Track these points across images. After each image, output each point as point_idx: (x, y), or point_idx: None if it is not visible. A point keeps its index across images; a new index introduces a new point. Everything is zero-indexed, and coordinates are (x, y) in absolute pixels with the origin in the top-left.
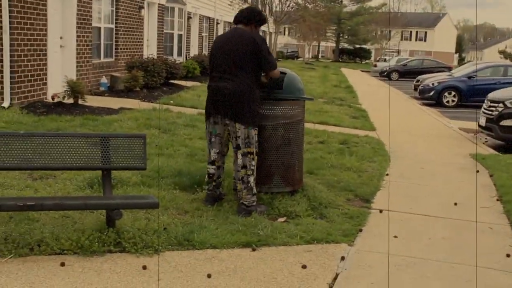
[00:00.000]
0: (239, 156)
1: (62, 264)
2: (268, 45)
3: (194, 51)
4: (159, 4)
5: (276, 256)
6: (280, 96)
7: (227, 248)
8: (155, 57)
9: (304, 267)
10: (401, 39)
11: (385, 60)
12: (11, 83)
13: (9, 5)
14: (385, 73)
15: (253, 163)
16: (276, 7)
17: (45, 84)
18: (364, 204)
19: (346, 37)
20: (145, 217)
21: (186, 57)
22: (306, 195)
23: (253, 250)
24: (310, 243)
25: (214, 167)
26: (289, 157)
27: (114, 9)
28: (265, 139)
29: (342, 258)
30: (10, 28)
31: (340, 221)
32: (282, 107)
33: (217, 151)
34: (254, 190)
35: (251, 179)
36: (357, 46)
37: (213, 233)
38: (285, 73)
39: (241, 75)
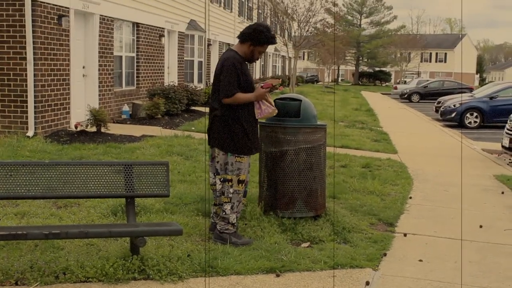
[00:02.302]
0: (218, 181)
1: None
2: (237, 70)
3: None
4: (179, 32)
5: (300, 282)
6: (298, 124)
7: (251, 274)
8: (176, 84)
9: None
10: (421, 61)
11: (405, 82)
12: (35, 112)
13: (33, 37)
14: (406, 96)
15: (231, 190)
16: (295, 32)
17: (68, 113)
18: (388, 228)
19: (366, 60)
20: (169, 244)
21: (206, 84)
22: (329, 219)
23: (277, 276)
24: (334, 268)
25: (212, 190)
26: (311, 182)
27: (135, 38)
28: (287, 164)
29: (367, 283)
30: (34, 59)
31: (364, 246)
32: (303, 132)
33: (213, 174)
34: (230, 219)
35: (227, 206)
36: (377, 69)
37: (236, 259)
38: (300, 100)
39: (220, 100)
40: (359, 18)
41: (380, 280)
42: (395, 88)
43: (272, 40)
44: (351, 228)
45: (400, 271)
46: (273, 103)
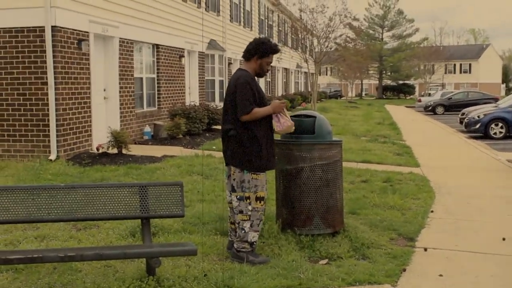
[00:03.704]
0: (234, 199)
1: None
2: (251, 87)
3: None
4: (199, 52)
5: None
6: (313, 141)
7: None
8: (197, 104)
9: None
10: (445, 72)
11: (429, 95)
12: (57, 136)
13: (54, 62)
14: (430, 108)
15: (250, 208)
16: (315, 48)
17: (90, 135)
18: (408, 243)
19: (389, 73)
20: (186, 264)
21: None
22: (348, 236)
23: None
24: (352, 285)
25: (229, 209)
26: (328, 198)
27: (155, 59)
28: (303, 181)
29: None
30: (55, 83)
31: (383, 261)
32: (318, 148)
33: (229, 192)
34: (249, 238)
35: (247, 224)
36: (401, 82)
37: (253, 278)
38: (315, 117)
39: (234, 119)
40: (381, 31)
41: None
42: (419, 100)
43: (275, 48)
44: (370, 244)
45: (419, 286)
46: (289, 118)
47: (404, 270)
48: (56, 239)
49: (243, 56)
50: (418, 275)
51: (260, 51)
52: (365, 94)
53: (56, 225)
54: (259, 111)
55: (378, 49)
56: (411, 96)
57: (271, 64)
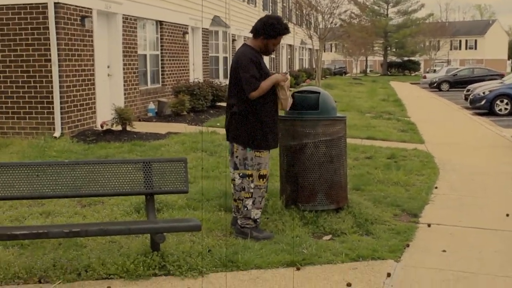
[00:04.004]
0: (237, 176)
1: None
2: (255, 64)
3: None
4: (203, 28)
5: (320, 275)
6: (316, 117)
7: (271, 268)
8: (201, 81)
9: (349, 285)
10: (451, 49)
11: (434, 71)
12: (61, 113)
13: (57, 38)
14: (435, 84)
15: (252, 185)
16: (319, 24)
17: (94, 112)
18: (411, 218)
19: (394, 50)
20: (190, 239)
21: None
22: (352, 212)
23: (298, 269)
24: (356, 260)
25: (232, 185)
26: (332, 174)
27: (158, 36)
28: (307, 157)
29: (388, 275)
30: (59, 60)
31: (386, 237)
32: (322, 124)
33: (233, 169)
34: (252, 214)
35: (249, 202)
36: (406, 58)
37: (257, 253)
38: (318, 93)
39: (238, 96)
40: (386, 7)
41: (402, 271)
42: (424, 77)
43: (285, 31)
44: (373, 220)
45: (422, 262)
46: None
47: (408, 245)
48: (61, 215)
49: (251, 31)
50: (422, 251)
51: (268, 32)
52: (370, 71)
53: (61, 201)
54: (265, 83)
55: (383, 25)
56: (416, 73)
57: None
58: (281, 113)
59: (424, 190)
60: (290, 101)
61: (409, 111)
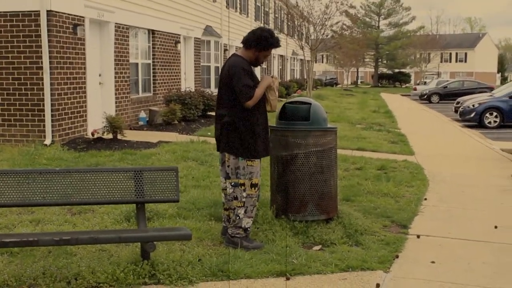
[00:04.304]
0: (229, 185)
1: None
2: (248, 73)
3: None
4: (195, 38)
5: (310, 285)
6: (308, 127)
7: (261, 277)
8: (193, 90)
9: None
10: (441, 61)
11: (425, 83)
12: (52, 121)
13: (49, 46)
14: (425, 96)
15: (244, 194)
16: (311, 35)
17: (85, 120)
18: (401, 230)
19: (385, 62)
20: (180, 248)
21: None
22: (342, 222)
23: (287, 279)
24: (345, 271)
25: (223, 195)
26: (322, 185)
27: (150, 45)
28: (298, 168)
29: (377, 286)
30: (50, 68)
31: (376, 248)
32: (313, 135)
33: (224, 179)
34: (243, 223)
35: (241, 211)
36: (396, 70)
37: (247, 263)
38: (310, 104)
39: (229, 105)
40: (377, 19)
41: (391, 282)
42: (415, 89)
43: (276, 45)
44: (363, 231)
45: (411, 273)
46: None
47: (397, 256)
48: (51, 223)
49: (242, 42)
50: (411, 262)
51: (260, 44)
52: (361, 82)
53: (51, 209)
54: (259, 90)
55: (374, 37)
56: (407, 85)
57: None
58: (272, 122)
59: (413, 202)
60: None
61: (400, 123)
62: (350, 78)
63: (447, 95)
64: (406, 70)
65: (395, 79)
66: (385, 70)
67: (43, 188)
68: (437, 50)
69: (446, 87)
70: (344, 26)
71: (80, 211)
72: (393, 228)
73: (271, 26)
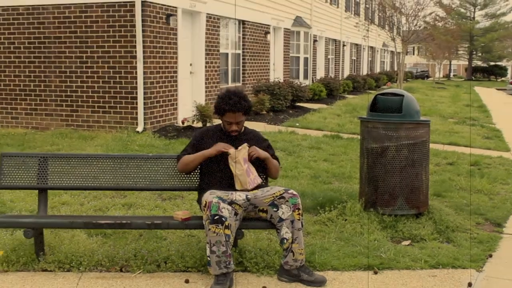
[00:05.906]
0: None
1: (187, 281)
2: (195, 139)
3: (320, 74)
4: (284, 28)
5: (398, 280)
6: (400, 119)
7: (348, 270)
8: (281, 81)
9: None
10: None
11: None
12: (144, 108)
13: (143, 36)
14: None
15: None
16: (403, 26)
17: (175, 109)
18: (495, 228)
19: (480, 54)
20: (267, 237)
21: (312, 80)
22: (432, 218)
23: (375, 273)
24: (435, 267)
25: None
26: (413, 179)
27: (241, 35)
28: (389, 161)
29: (469, 285)
30: (144, 57)
31: (468, 246)
32: (405, 128)
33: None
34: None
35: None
36: (492, 63)
37: (334, 254)
38: (402, 95)
39: None
40: (473, 10)
41: (484, 282)
42: (511, 83)
43: (227, 109)
44: (455, 227)
45: (506, 273)
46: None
47: (490, 256)
48: (142, 208)
49: None
50: (505, 262)
51: (215, 109)
52: (453, 75)
53: (142, 193)
54: (188, 157)
55: (469, 29)
56: (503, 78)
57: (357, 43)
58: (362, 114)
59: (509, 200)
60: (255, 179)
61: (494, 118)
62: (442, 71)
63: None
64: (503, 63)
65: (490, 73)
66: (479, 63)
67: (135, 173)
68: None
69: None
70: (438, 17)
71: (170, 197)
72: (487, 226)
73: (362, 17)
